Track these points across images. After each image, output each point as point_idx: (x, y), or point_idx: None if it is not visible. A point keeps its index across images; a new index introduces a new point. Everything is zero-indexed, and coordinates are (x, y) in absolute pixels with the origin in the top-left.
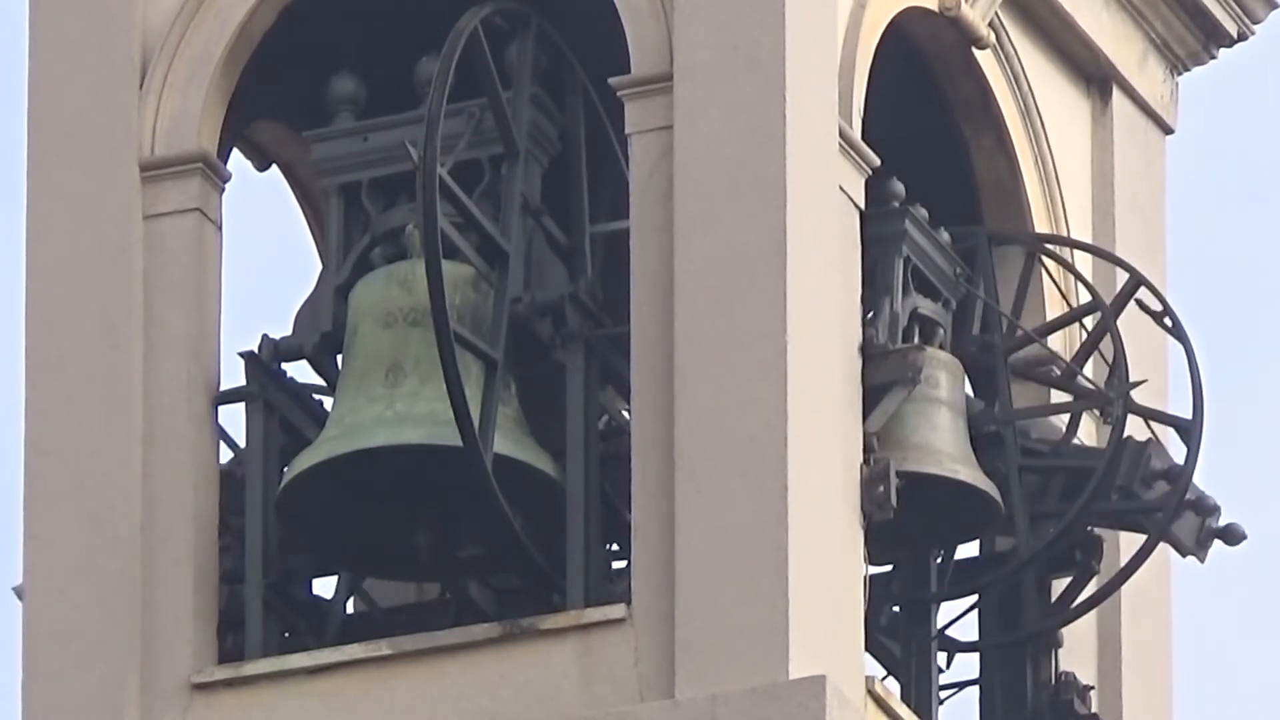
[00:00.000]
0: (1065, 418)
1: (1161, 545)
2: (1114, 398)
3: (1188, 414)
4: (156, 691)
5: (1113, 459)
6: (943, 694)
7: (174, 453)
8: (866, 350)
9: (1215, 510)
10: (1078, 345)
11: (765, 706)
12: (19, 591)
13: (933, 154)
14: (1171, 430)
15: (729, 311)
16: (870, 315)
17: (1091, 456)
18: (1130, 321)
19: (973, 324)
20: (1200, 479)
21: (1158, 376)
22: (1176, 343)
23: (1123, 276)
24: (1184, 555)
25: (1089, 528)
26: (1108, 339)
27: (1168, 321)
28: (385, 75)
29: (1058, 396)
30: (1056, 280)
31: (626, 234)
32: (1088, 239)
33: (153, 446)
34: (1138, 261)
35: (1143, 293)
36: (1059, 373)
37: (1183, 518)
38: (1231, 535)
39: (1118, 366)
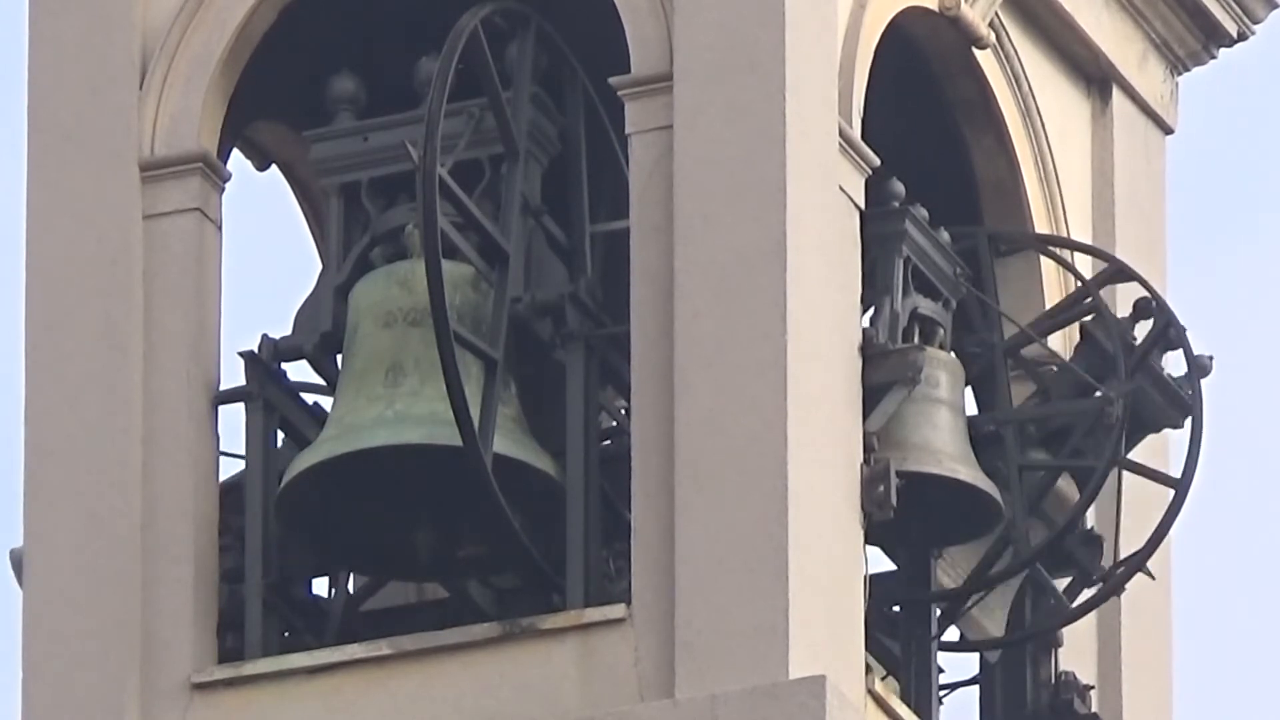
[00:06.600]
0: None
1: (1161, 548)
2: (1114, 398)
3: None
4: (156, 691)
5: (1111, 459)
6: (942, 694)
7: (174, 453)
8: (866, 350)
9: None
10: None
11: (765, 706)
12: (16, 559)
13: (933, 154)
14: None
15: (729, 311)
16: (870, 315)
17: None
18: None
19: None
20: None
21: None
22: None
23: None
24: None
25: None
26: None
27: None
28: (385, 75)
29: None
30: (1058, 279)
31: (626, 234)
32: (1088, 239)
33: (153, 446)
34: (1137, 262)
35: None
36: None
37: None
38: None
39: (1117, 367)
